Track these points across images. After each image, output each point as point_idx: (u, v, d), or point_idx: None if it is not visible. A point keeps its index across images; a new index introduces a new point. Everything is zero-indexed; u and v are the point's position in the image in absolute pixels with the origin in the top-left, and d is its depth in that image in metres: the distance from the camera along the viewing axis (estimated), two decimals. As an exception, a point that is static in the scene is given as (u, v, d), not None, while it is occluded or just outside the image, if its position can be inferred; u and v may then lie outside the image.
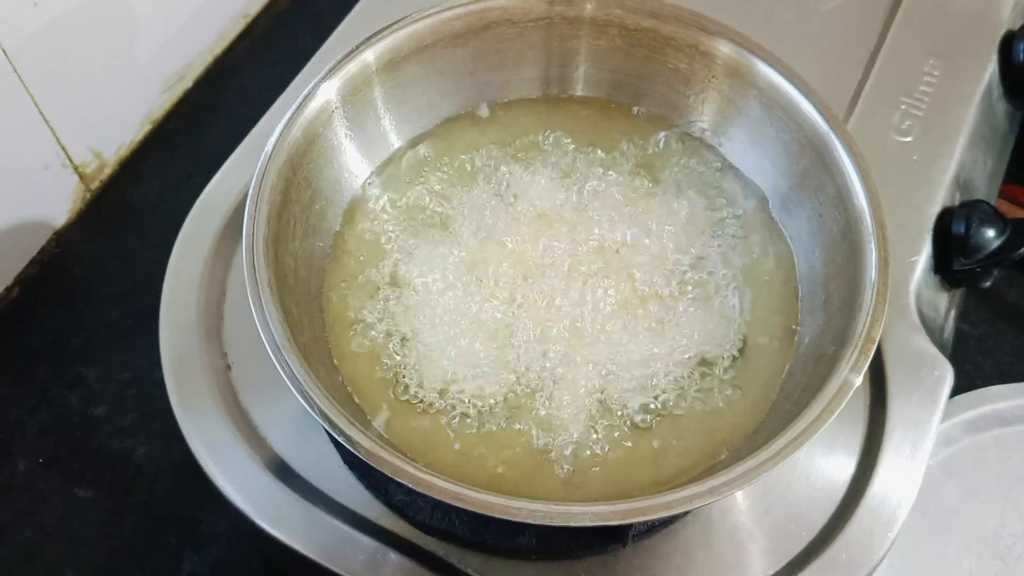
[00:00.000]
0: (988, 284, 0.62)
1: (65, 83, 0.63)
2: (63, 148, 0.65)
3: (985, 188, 0.67)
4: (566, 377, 0.47)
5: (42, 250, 0.67)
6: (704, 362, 0.48)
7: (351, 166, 0.53)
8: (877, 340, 0.42)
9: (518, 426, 0.46)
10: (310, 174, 0.49)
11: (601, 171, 0.55)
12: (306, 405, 0.39)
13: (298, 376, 0.40)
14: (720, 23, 0.52)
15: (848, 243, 0.46)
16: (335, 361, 0.48)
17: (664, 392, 0.47)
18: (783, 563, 0.48)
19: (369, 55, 0.51)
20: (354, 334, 0.49)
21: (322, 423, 0.39)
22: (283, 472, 0.50)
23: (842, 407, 0.40)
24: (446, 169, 0.55)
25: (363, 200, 0.54)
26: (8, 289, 0.65)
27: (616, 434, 0.46)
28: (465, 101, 0.57)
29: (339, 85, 0.50)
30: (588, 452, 0.46)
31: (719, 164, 0.55)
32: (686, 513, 0.48)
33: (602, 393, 0.47)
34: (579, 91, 0.58)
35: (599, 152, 0.56)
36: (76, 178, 0.68)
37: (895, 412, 0.52)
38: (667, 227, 0.52)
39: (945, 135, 0.62)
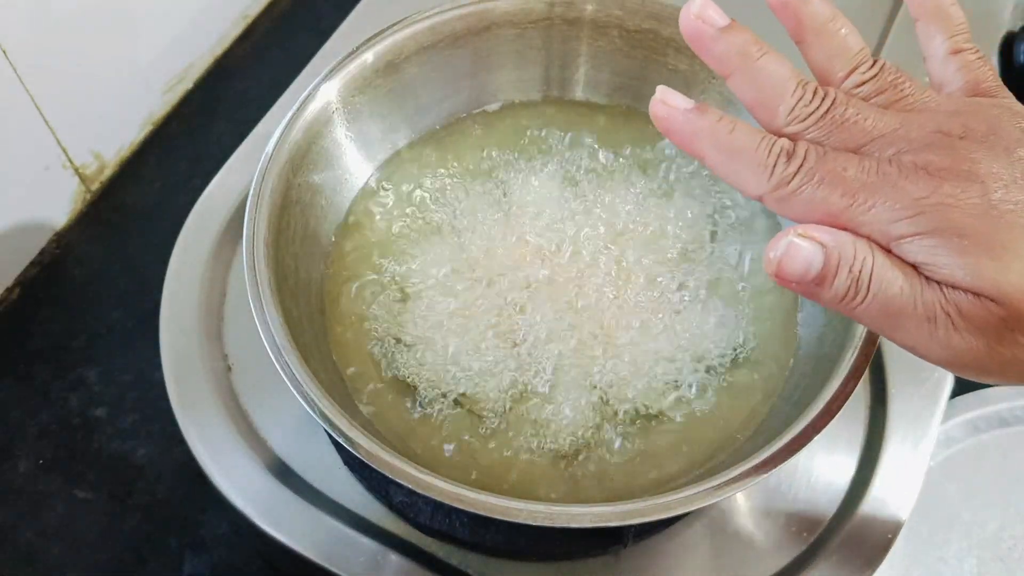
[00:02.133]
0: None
1: (65, 84, 0.63)
2: (63, 149, 0.65)
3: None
4: (567, 378, 0.47)
5: (42, 251, 0.67)
6: (704, 363, 0.48)
7: (351, 167, 0.53)
8: (877, 341, 0.42)
9: (518, 427, 0.46)
10: (310, 175, 0.49)
11: (602, 173, 0.55)
12: (306, 406, 0.39)
13: (299, 377, 0.40)
14: (720, 24, 0.52)
15: (849, 244, 0.46)
16: (336, 362, 0.48)
17: (664, 394, 0.47)
18: (783, 564, 0.48)
19: (369, 56, 0.51)
20: (355, 335, 0.49)
21: (323, 424, 0.39)
22: (284, 473, 0.50)
23: (843, 409, 0.40)
24: (447, 171, 0.55)
25: (364, 201, 0.54)
26: (8, 290, 0.65)
27: (616, 435, 0.46)
28: (465, 102, 0.57)
29: (339, 86, 0.50)
30: (588, 453, 0.46)
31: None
32: (686, 514, 0.48)
33: (603, 395, 0.47)
34: (580, 93, 0.58)
35: (600, 154, 0.56)
36: (76, 179, 0.68)
37: (896, 413, 0.52)
38: (668, 228, 0.52)
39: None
